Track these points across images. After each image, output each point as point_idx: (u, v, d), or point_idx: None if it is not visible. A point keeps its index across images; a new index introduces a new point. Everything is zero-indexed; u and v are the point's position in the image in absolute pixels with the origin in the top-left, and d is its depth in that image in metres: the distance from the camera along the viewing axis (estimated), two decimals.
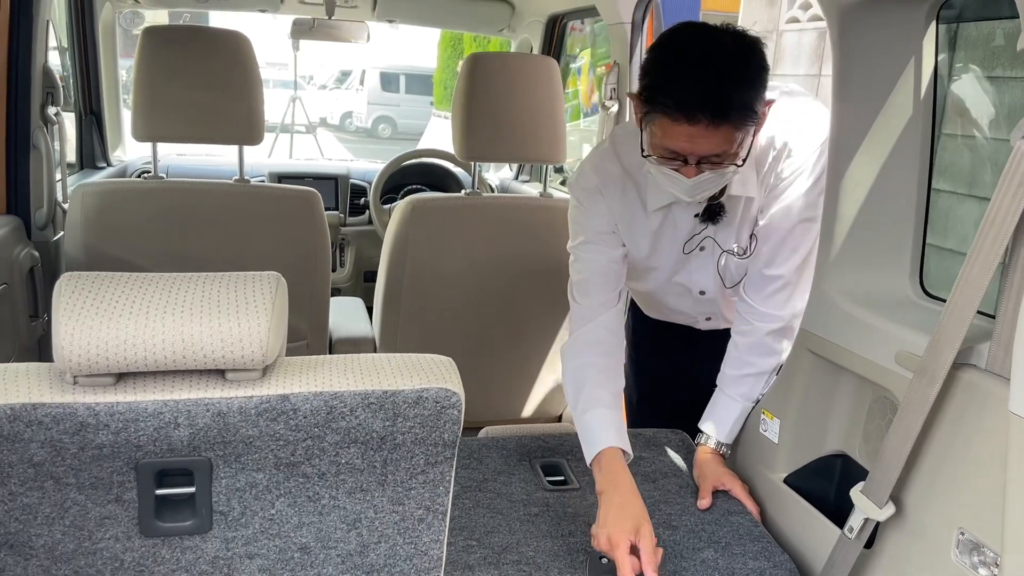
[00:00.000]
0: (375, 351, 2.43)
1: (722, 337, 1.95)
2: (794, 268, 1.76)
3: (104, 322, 0.95)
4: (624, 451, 1.68)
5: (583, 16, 3.18)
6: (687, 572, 1.54)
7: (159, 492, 1.04)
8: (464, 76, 2.20)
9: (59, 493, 1.01)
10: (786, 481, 1.75)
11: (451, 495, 1.16)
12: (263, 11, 3.24)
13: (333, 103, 20.19)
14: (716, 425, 1.85)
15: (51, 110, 2.23)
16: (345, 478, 1.09)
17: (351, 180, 3.56)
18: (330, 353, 2.53)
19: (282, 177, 3.41)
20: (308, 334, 2.34)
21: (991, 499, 1.21)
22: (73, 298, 0.96)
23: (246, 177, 2.21)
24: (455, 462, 1.13)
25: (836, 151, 1.61)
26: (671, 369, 2.19)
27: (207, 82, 2.08)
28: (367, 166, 3.83)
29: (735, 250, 1.84)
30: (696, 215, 1.80)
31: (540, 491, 1.77)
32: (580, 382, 1.76)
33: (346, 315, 2.66)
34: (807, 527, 1.65)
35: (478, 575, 1.48)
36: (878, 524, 1.46)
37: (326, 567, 1.14)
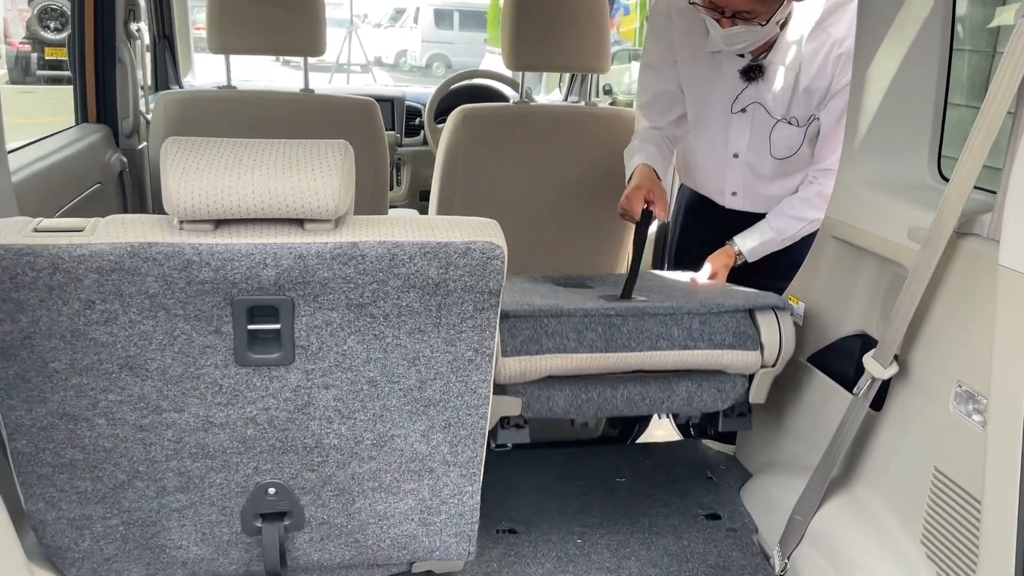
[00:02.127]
0: None
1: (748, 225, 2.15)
2: None
3: (204, 176, 1.13)
4: (655, 169, 2.10)
5: None
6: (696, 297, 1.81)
7: (251, 327, 1.23)
8: None
9: (169, 323, 1.21)
10: (809, 360, 1.89)
11: (496, 341, 1.33)
12: None
13: (387, 41, 20.23)
14: (745, 237, 2.12)
15: (133, 26, 2.42)
16: (405, 319, 1.27)
17: (407, 102, 3.71)
18: None
19: None
20: None
21: (986, 352, 1.34)
22: (178, 157, 1.14)
23: (311, 88, 2.38)
24: (499, 310, 1.30)
25: (861, 43, 1.70)
26: (701, 250, 2.35)
27: None
28: (421, 90, 3.98)
29: (790, 120, 2.05)
30: (739, 70, 2.06)
31: (562, 287, 1.97)
32: (636, 152, 2.17)
33: None
34: (827, 399, 1.79)
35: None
36: (888, 388, 1.60)
37: (390, 399, 1.33)
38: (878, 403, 1.62)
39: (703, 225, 2.44)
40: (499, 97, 3.77)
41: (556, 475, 2.07)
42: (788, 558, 1.76)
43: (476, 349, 1.32)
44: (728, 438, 2.29)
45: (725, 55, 2.07)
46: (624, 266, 2.68)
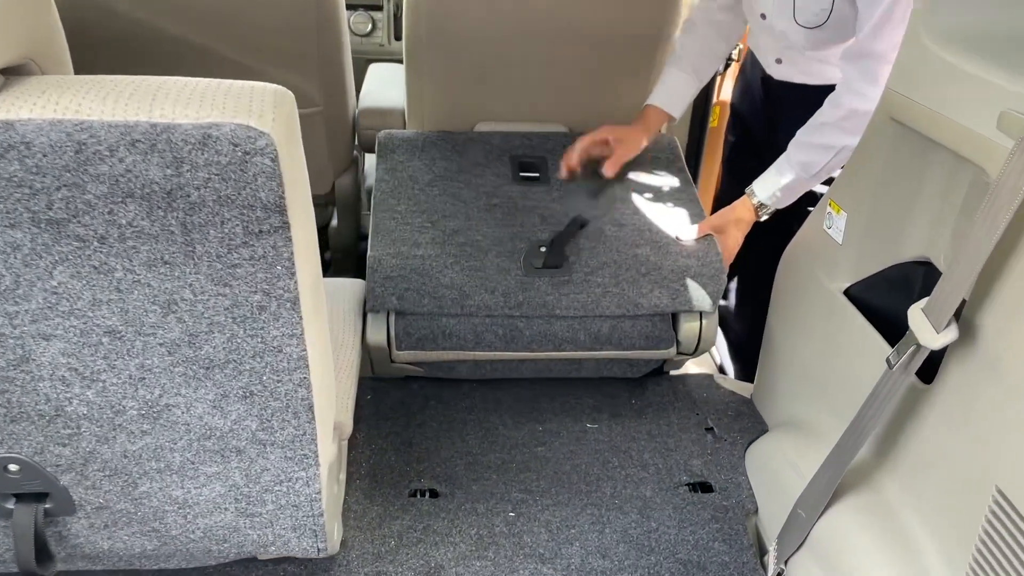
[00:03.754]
0: (404, 124, 2.11)
1: (796, 107, 1.66)
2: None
3: None
4: (666, 111, 1.81)
5: None
6: (626, 264, 1.60)
7: None
8: None
9: None
10: (847, 292, 1.36)
11: (298, 279, 0.87)
12: None
13: None
14: (763, 181, 1.66)
15: None
16: (136, 246, 0.81)
17: None
18: (354, 127, 2.22)
19: None
20: (322, 100, 2.04)
21: None
22: None
23: None
24: (293, 234, 0.83)
25: None
26: (752, 132, 1.98)
27: None
28: None
29: None
30: None
31: (508, 184, 1.79)
32: (681, 46, 1.84)
33: (384, 82, 2.33)
34: (863, 351, 1.27)
35: (422, 240, 1.60)
36: (944, 354, 1.07)
37: (149, 357, 0.90)
38: (929, 373, 1.10)
39: (754, 97, 1.91)
40: None
41: (512, 413, 1.64)
42: (786, 563, 1.30)
43: (266, 291, 0.86)
44: (746, 374, 1.80)
45: None
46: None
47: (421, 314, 1.57)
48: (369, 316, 1.57)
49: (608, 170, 1.74)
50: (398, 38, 3.09)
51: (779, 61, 1.77)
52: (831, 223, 1.39)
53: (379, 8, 3.06)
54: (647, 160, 1.91)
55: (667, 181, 1.86)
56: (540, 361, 1.65)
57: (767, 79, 1.83)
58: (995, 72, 1.02)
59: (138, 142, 0.74)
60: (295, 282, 0.86)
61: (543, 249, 1.62)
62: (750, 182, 1.67)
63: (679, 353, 1.66)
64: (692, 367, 1.88)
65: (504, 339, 1.58)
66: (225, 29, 1.85)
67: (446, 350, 1.58)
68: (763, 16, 1.69)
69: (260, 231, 0.81)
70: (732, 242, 1.66)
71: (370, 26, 3.06)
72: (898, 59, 1.21)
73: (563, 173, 1.77)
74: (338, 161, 2.18)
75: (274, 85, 0.81)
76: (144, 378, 0.92)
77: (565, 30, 1.90)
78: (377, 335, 1.56)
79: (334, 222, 2.36)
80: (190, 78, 0.80)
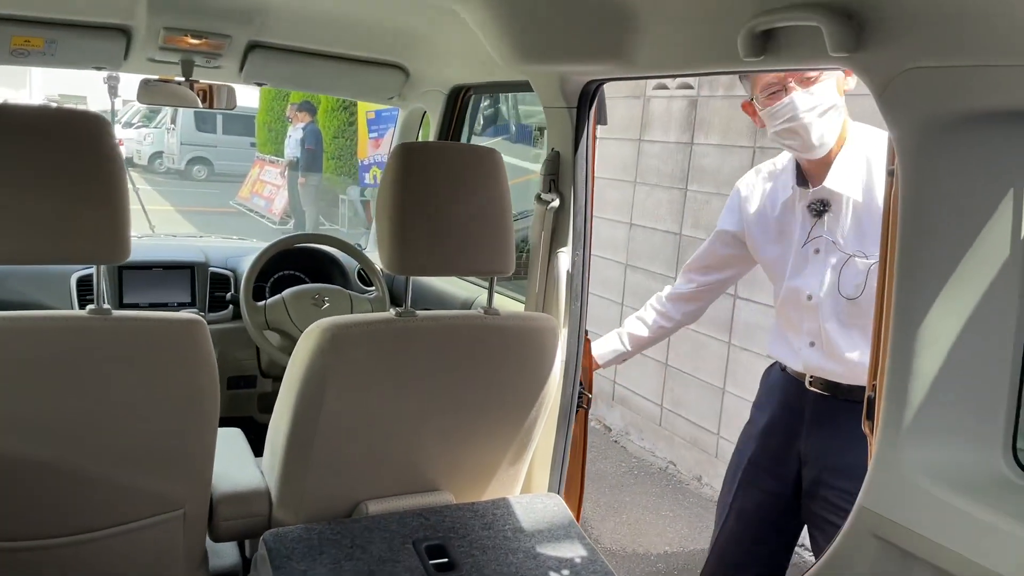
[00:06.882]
0: (270, 508, 1.89)
1: (829, 425, 2.00)
2: None
3: None
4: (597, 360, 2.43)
5: (495, 90, 2.81)
6: None
7: None
8: (395, 171, 1.75)
9: None
10: None
11: None
12: (100, 68, 2.64)
13: (141, 142, 18.74)
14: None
15: None
16: None
17: (211, 269, 2.95)
18: (211, 518, 1.95)
19: (122, 268, 2.76)
20: (187, 500, 1.78)
21: None
22: None
23: (105, 305, 1.63)
24: None
25: (905, 294, 1.32)
26: (770, 460, 2.19)
27: (50, 181, 1.52)
28: (225, 246, 3.22)
29: (856, 254, 1.93)
30: (806, 206, 2.00)
31: None
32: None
33: (224, 458, 2.07)
34: None
35: None
36: None
37: None
38: None
39: (776, 420, 2.16)
40: (331, 261, 3.12)
41: None
42: None
43: None
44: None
45: (797, 197, 2.03)
46: (518, 489, 2.15)
47: None
48: None
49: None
50: None
51: (812, 344, 1.99)
52: None
53: None
54: (542, 529, 1.93)
55: (574, 551, 1.87)
56: None
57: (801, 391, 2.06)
58: (986, 510, 1.20)
59: None
60: None
61: None
62: None
63: None
64: None
65: None
66: (83, 442, 1.63)
67: None
68: (809, 297, 1.97)
69: None
70: None
71: None
72: (874, 480, 1.38)
73: None
74: (191, 563, 1.89)
75: None
76: None
77: (469, 402, 1.94)
78: None
79: None
80: None
